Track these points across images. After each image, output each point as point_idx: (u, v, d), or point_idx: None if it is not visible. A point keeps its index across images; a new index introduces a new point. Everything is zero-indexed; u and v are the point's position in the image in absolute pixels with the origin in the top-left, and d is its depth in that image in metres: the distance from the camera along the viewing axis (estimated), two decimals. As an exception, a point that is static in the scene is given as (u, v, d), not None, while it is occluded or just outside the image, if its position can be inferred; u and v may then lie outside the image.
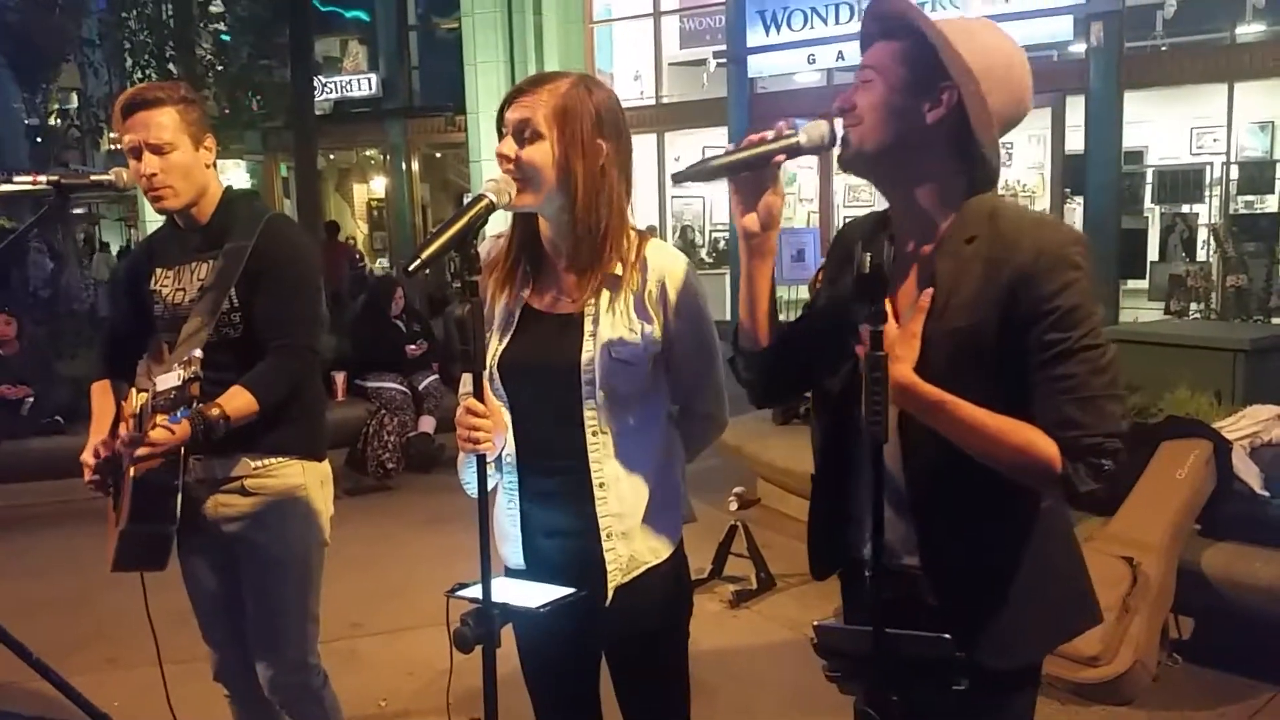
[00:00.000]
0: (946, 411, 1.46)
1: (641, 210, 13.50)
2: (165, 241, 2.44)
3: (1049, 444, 1.44)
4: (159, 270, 2.41)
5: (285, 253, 2.33)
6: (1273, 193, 11.40)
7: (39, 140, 13.05)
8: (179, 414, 2.06)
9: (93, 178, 2.57)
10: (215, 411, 2.14)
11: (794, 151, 1.57)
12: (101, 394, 2.45)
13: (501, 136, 1.78)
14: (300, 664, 2.43)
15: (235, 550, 2.36)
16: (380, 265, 18.45)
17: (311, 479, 2.40)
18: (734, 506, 4.58)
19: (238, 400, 2.19)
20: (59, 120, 14.12)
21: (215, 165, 2.38)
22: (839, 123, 1.58)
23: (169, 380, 2.03)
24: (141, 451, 2.11)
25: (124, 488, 2.25)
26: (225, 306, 2.27)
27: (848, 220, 1.83)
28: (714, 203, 15.24)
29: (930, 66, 1.48)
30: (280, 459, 2.34)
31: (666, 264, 1.83)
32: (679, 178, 1.65)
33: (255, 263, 2.29)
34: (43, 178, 2.47)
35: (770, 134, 1.58)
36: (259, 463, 2.32)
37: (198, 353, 2.05)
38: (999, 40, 1.53)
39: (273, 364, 2.27)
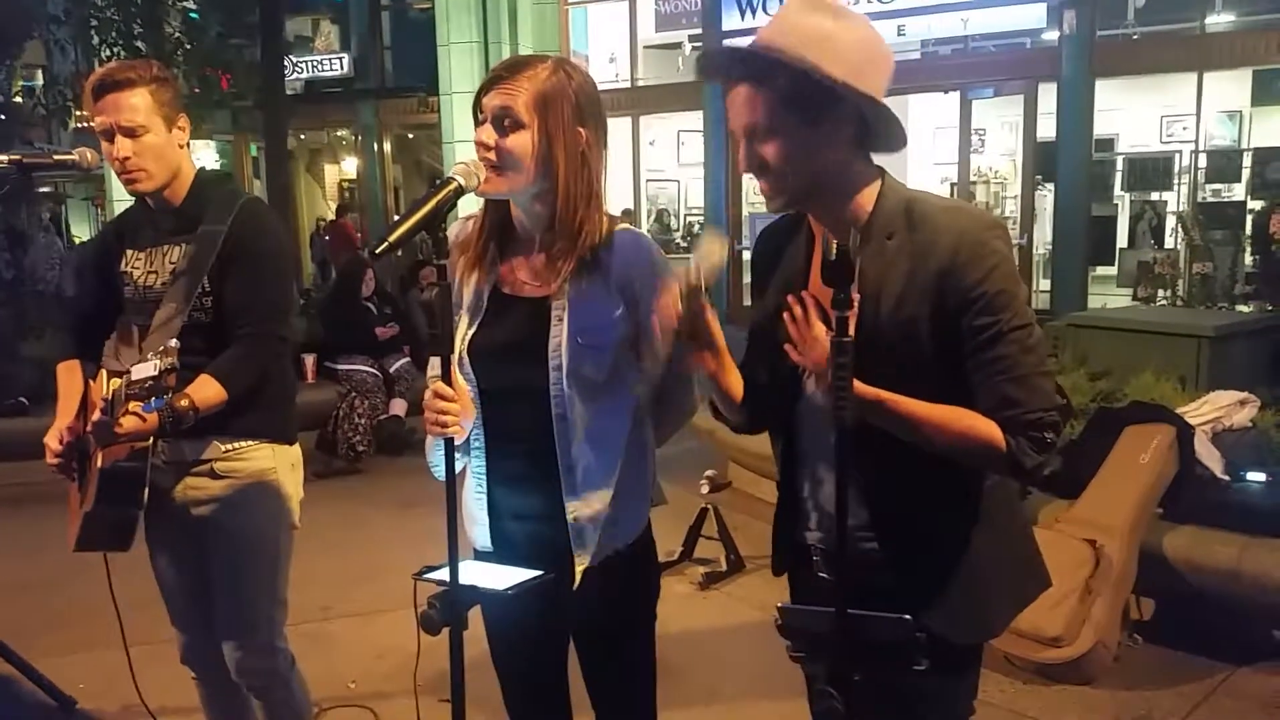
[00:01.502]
0: (886, 408, 1.49)
1: (616, 194, 13.48)
2: (136, 222, 2.41)
3: (990, 426, 1.49)
4: (130, 252, 2.38)
5: (258, 239, 2.30)
6: (1239, 181, 11.53)
7: (2, 118, 12.82)
8: (152, 403, 2.03)
9: (57, 157, 2.52)
10: (184, 403, 2.12)
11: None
12: (68, 374, 2.42)
13: (479, 122, 1.76)
14: (268, 647, 2.42)
15: (204, 533, 2.35)
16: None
17: (282, 462, 2.39)
18: (705, 489, 4.60)
19: (206, 390, 2.18)
20: (23, 98, 13.87)
21: (189, 145, 2.35)
22: (754, 182, 1.59)
23: (145, 370, 1.99)
24: (114, 434, 2.08)
25: (90, 471, 2.23)
26: (197, 291, 2.25)
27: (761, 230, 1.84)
28: (689, 186, 15.24)
29: (816, 98, 1.49)
30: (250, 442, 2.33)
31: (635, 249, 1.83)
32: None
33: (228, 248, 2.26)
34: (4, 156, 2.42)
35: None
36: (229, 445, 2.31)
37: (174, 342, 2.02)
38: (851, 27, 1.52)
39: (241, 352, 2.25)
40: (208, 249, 2.25)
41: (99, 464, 2.18)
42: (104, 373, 2.28)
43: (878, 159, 1.63)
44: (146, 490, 2.21)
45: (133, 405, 2.06)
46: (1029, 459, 1.49)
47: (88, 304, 2.51)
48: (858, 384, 1.45)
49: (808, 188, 1.57)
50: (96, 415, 2.13)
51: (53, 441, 2.29)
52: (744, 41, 1.60)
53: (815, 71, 1.46)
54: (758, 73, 1.52)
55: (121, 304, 2.38)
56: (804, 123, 1.51)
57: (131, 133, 2.21)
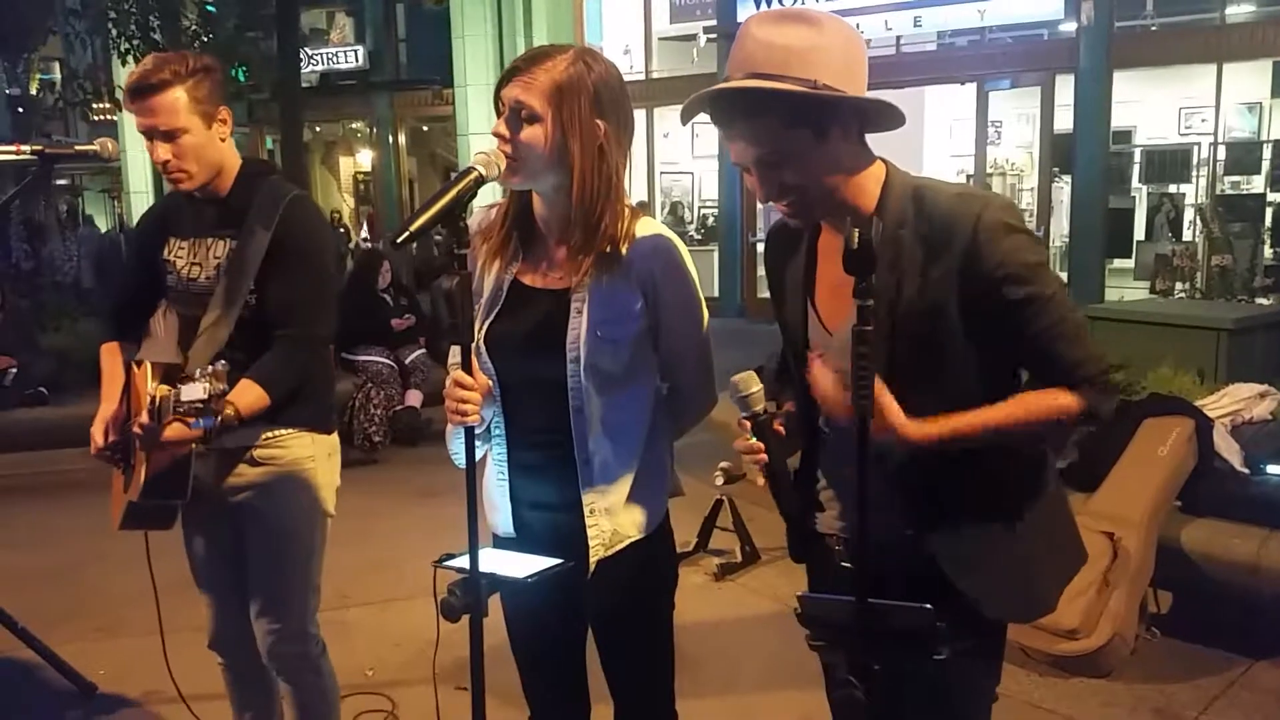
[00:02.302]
0: (962, 435, 1.49)
1: (631, 186, 13.43)
2: (180, 209, 2.39)
3: (1051, 397, 1.51)
4: (173, 239, 2.37)
5: (303, 239, 2.28)
6: (1259, 173, 11.43)
7: (20, 110, 12.91)
8: (201, 421, 2.02)
9: (78, 148, 2.54)
10: (230, 411, 2.11)
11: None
12: (110, 357, 2.43)
13: (499, 113, 1.76)
14: (300, 633, 2.44)
15: (241, 519, 2.37)
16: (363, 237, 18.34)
17: (320, 450, 2.39)
18: (720, 481, 4.59)
19: (249, 396, 2.18)
20: (41, 91, 13.97)
21: (231, 136, 2.32)
22: (764, 224, 1.60)
23: (195, 392, 1.99)
24: (159, 440, 2.10)
25: (136, 462, 2.26)
26: (243, 294, 2.24)
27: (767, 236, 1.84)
28: (703, 179, 15.20)
29: (818, 112, 1.49)
30: (290, 430, 2.34)
31: (656, 242, 1.83)
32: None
33: (273, 248, 2.25)
34: (26, 147, 2.44)
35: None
36: (270, 434, 2.32)
37: (223, 364, 2.03)
38: (828, 31, 1.50)
39: (283, 354, 2.26)
40: (254, 251, 2.24)
41: (145, 467, 2.20)
42: (148, 365, 2.27)
43: (882, 147, 1.63)
44: (191, 479, 2.24)
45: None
46: (1106, 405, 1.51)
47: (131, 287, 2.51)
48: (921, 427, 1.47)
49: (828, 197, 1.56)
50: (144, 418, 2.13)
51: (98, 434, 2.32)
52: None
53: (814, 90, 1.46)
54: (755, 105, 1.49)
55: (164, 289, 2.39)
56: (813, 138, 1.50)
57: (170, 135, 2.19)
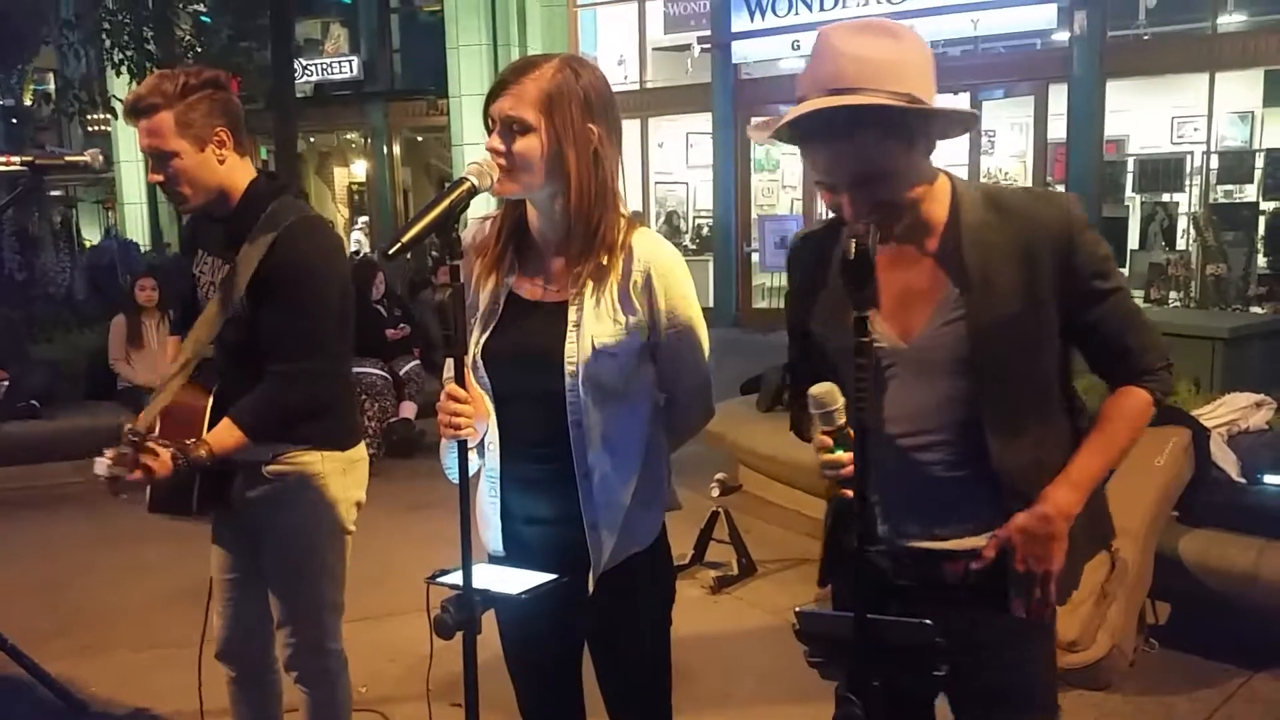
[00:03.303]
0: (1099, 478, 1.61)
1: (625, 196, 13.43)
2: (207, 224, 2.40)
3: (1133, 396, 1.63)
4: (201, 252, 2.39)
5: (297, 267, 2.21)
6: (1252, 182, 11.46)
7: (14, 121, 12.90)
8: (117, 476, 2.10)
9: (68, 159, 2.53)
10: (203, 452, 2.15)
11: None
12: (174, 349, 2.50)
13: (490, 129, 1.75)
14: (318, 647, 2.43)
15: (256, 531, 2.38)
16: (356, 239, 18.33)
17: (331, 467, 2.36)
18: (716, 493, 4.58)
19: (226, 439, 2.19)
20: (35, 102, 13.96)
21: (239, 153, 2.26)
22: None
23: (100, 469, 2.09)
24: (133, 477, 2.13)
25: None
26: (237, 311, 2.23)
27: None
28: (697, 189, 15.22)
29: (907, 123, 1.49)
30: (298, 448, 2.32)
31: (653, 253, 1.81)
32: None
33: (264, 273, 2.20)
34: (16, 158, 2.43)
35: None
36: (276, 451, 2.30)
37: (147, 430, 2.12)
38: (910, 42, 1.50)
39: (268, 393, 2.23)
40: (240, 280, 2.20)
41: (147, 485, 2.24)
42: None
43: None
44: (195, 497, 2.27)
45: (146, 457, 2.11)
46: (1167, 393, 1.64)
47: (186, 289, 2.49)
48: (1064, 499, 1.54)
49: (913, 209, 1.55)
50: (114, 454, 2.14)
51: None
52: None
53: (908, 104, 1.45)
54: (855, 121, 1.46)
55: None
56: (906, 150, 1.50)
57: (160, 158, 2.18)
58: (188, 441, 2.15)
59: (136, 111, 2.17)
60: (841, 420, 1.52)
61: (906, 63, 1.48)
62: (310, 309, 2.23)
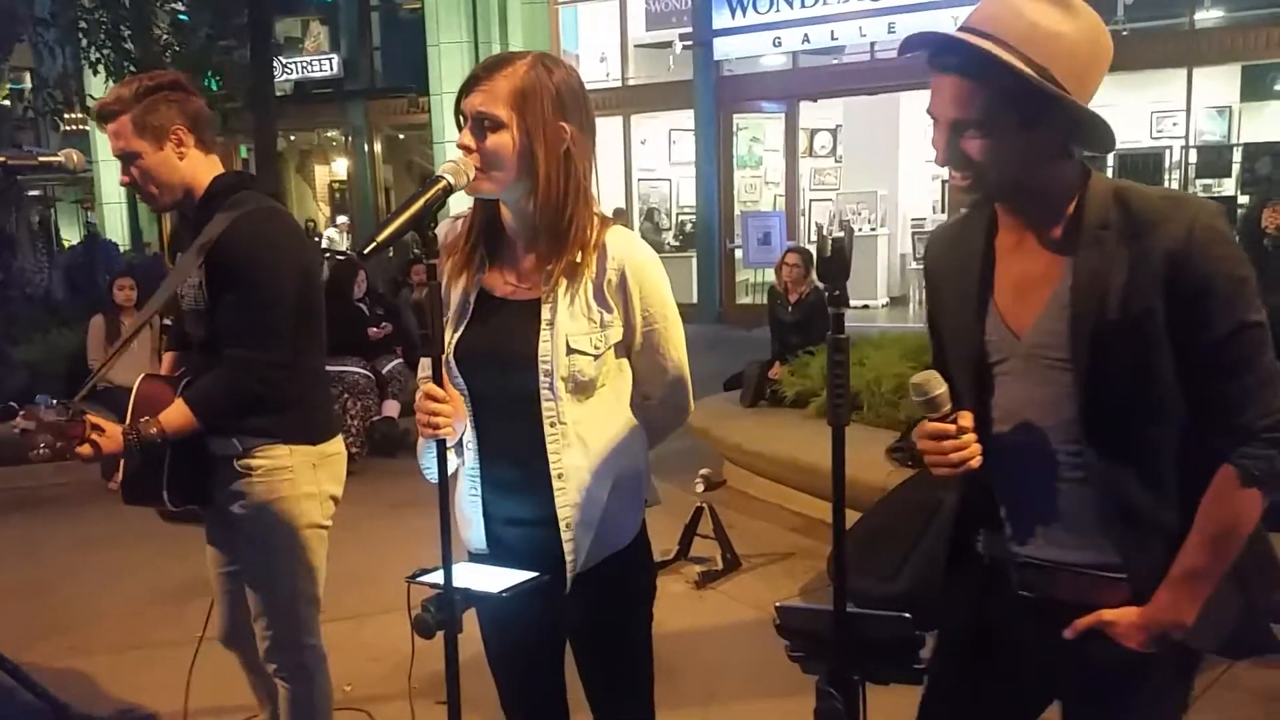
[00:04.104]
0: (1202, 579, 1.44)
1: (608, 193, 13.46)
2: (187, 230, 2.47)
3: (1221, 482, 1.42)
4: (179, 253, 2.46)
5: (249, 256, 2.25)
6: (1230, 176, 11.57)
7: (-10, 120, 12.78)
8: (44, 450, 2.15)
9: (41, 158, 2.53)
10: (153, 430, 2.21)
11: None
12: (170, 363, 2.63)
13: (461, 125, 1.74)
14: (293, 642, 2.46)
15: (233, 524, 2.42)
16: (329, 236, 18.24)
17: (299, 461, 2.38)
18: (700, 488, 4.58)
19: (176, 418, 2.24)
20: (11, 101, 13.83)
21: (201, 150, 2.32)
22: (945, 173, 1.52)
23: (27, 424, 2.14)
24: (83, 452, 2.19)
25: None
26: (197, 305, 2.30)
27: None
28: (680, 185, 15.23)
29: (1035, 101, 1.39)
30: (265, 441, 2.35)
31: (627, 251, 1.81)
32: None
33: (216, 260, 2.25)
34: None
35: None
36: (245, 445, 2.34)
37: (54, 402, 2.17)
38: (1081, 26, 1.41)
39: (219, 378, 2.27)
40: (186, 269, 2.29)
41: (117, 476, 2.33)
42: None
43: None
44: (165, 488, 2.31)
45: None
46: (1261, 467, 1.40)
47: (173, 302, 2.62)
48: (1168, 609, 1.43)
49: (1010, 186, 1.47)
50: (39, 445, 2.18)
51: None
52: (946, 23, 1.52)
53: (1041, 79, 1.36)
54: (977, 67, 1.39)
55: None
56: (1019, 125, 1.40)
57: (125, 159, 2.26)
58: (141, 419, 2.20)
59: (102, 118, 2.27)
60: (947, 407, 1.47)
61: (1062, 38, 1.38)
62: (262, 296, 2.26)
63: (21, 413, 2.13)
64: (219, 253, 2.24)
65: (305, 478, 2.40)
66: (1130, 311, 1.41)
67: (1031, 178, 1.46)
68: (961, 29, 1.42)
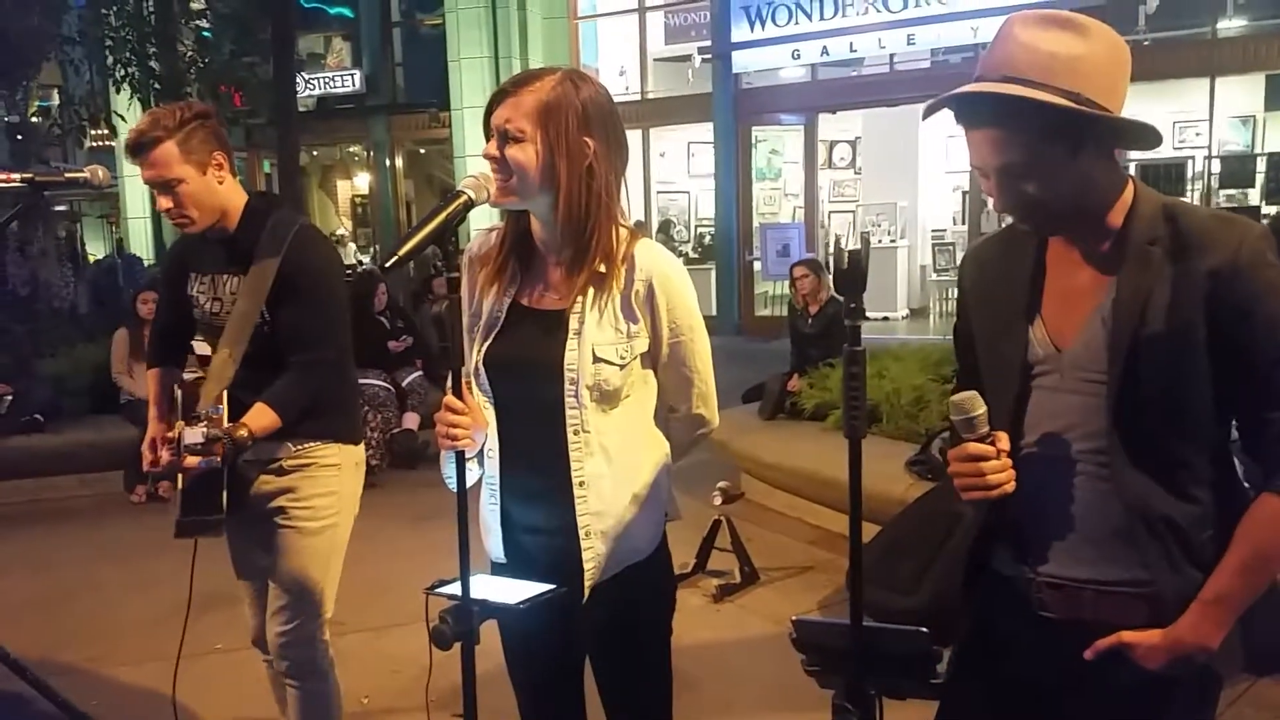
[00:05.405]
0: (1232, 604, 1.43)
1: (627, 206, 13.45)
2: (196, 247, 2.54)
3: (1265, 509, 1.42)
4: (194, 275, 2.53)
5: (311, 267, 2.42)
6: (1254, 186, 11.47)
7: (19, 138, 12.95)
8: (204, 462, 2.28)
9: (68, 175, 2.57)
10: (243, 433, 2.31)
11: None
12: (154, 381, 2.68)
13: (489, 137, 1.77)
14: (309, 637, 2.53)
15: (270, 522, 2.49)
16: (353, 251, 18.38)
17: (346, 460, 2.54)
18: (718, 501, 4.57)
19: (262, 419, 2.35)
20: (40, 118, 14.03)
21: (233, 174, 2.45)
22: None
23: (194, 436, 2.24)
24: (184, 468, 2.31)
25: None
26: (252, 329, 2.40)
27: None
28: (699, 198, 15.25)
29: (1076, 128, 1.39)
30: (317, 443, 2.49)
31: (655, 263, 1.82)
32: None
33: (282, 277, 2.38)
34: (16, 175, 2.47)
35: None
36: (299, 446, 2.47)
37: (219, 410, 2.28)
38: (1096, 41, 1.41)
39: (294, 380, 2.40)
40: (262, 283, 2.38)
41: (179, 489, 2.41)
42: (186, 378, 2.45)
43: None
44: (225, 497, 2.36)
45: (189, 460, 2.29)
46: None
47: (165, 318, 2.72)
48: (1200, 627, 1.41)
49: (1070, 212, 1.47)
50: (164, 454, 2.38)
51: (148, 452, 2.50)
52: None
53: (1078, 105, 1.36)
54: (1011, 114, 1.39)
55: (193, 319, 2.55)
56: (1067, 153, 1.40)
57: (168, 186, 2.34)
58: (227, 425, 2.30)
59: (140, 147, 2.32)
60: (986, 428, 1.46)
61: (1084, 59, 1.38)
62: (326, 303, 2.45)
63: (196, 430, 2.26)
64: (289, 266, 2.38)
65: (350, 475, 2.56)
66: (1170, 328, 1.40)
67: (1086, 197, 1.46)
68: (980, 79, 1.42)
